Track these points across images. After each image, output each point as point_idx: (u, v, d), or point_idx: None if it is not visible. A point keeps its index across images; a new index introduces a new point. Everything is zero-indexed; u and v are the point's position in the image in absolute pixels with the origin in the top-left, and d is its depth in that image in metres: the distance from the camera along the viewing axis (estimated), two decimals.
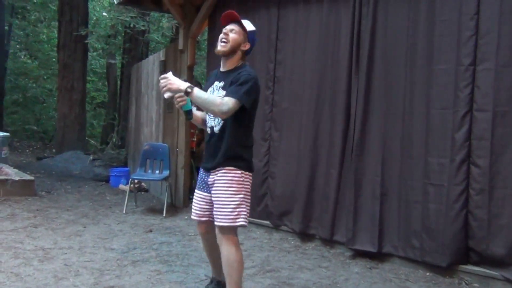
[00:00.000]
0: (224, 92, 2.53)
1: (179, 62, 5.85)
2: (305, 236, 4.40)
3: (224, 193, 2.56)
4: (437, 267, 3.52)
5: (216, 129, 2.62)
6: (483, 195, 3.31)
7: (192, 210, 2.81)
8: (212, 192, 2.62)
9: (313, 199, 4.34)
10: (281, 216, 4.59)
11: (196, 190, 2.81)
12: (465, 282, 3.40)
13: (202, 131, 5.94)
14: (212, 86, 2.66)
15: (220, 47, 2.58)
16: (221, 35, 2.59)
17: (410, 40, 3.71)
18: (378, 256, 3.87)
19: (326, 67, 4.26)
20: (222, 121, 2.58)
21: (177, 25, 7.06)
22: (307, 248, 4.27)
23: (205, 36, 8.20)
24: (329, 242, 4.22)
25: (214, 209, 2.59)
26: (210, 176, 2.64)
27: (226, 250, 2.57)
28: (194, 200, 2.81)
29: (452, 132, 3.43)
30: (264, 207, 4.72)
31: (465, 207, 3.39)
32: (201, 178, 2.78)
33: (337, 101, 4.16)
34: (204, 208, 2.72)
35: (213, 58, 5.35)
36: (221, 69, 2.69)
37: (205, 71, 6.46)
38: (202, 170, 2.78)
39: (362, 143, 3.97)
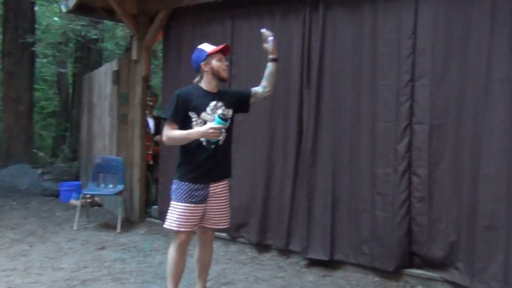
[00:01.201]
0: (230, 110, 3.10)
1: (133, 73, 5.92)
2: (262, 247, 4.64)
3: (228, 199, 3.20)
4: (385, 271, 3.90)
5: (221, 142, 3.03)
6: (424, 202, 3.73)
7: (186, 223, 2.99)
8: (218, 199, 3.12)
9: (269, 210, 4.61)
10: (238, 228, 4.81)
11: (189, 205, 2.99)
12: (410, 285, 3.79)
13: (157, 143, 6.08)
14: (210, 105, 3.02)
15: (227, 74, 3.13)
16: (224, 65, 3.07)
17: (356, 57, 4.09)
18: (331, 264, 4.19)
19: (279, 80, 4.48)
20: (225, 133, 3.01)
21: (131, 34, 7.18)
22: (263, 259, 4.49)
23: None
24: (285, 252, 4.49)
25: (219, 214, 3.14)
26: (212, 186, 3.06)
27: (212, 247, 3.29)
28: (188, 214, 2.99)
29: (395, 144, 3.84)
30: None
31: (408, 214, 3.80)
32: (193, 192, 3.00)
33: (290, 114, 4.47)
34: (198, 219, 3.08)
35: (169, 69, 5.54)
36: (210, 90, 3.07)
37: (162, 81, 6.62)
38: (193, 184, 3.00)
39: (314, 154, 4.30)
